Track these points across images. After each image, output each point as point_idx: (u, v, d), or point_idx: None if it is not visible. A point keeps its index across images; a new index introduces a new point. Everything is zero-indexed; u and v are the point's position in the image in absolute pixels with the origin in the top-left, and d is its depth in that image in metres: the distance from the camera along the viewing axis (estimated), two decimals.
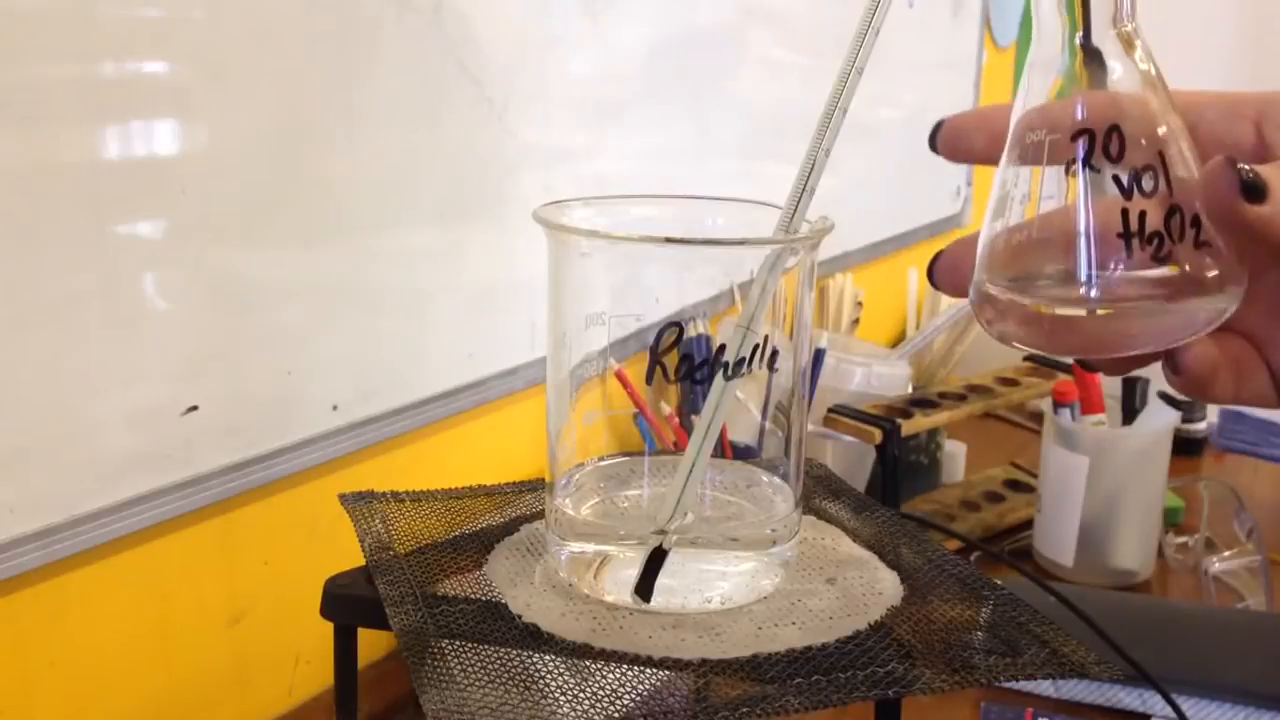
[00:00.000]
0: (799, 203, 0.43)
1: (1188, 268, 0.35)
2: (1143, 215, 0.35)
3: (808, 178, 0.43)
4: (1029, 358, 1.12)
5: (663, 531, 0.45)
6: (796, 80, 1.21)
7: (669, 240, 0.43)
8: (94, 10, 0.59)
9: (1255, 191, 0.34)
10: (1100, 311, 0.35)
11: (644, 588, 0.45)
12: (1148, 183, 0.35)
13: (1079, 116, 0.36)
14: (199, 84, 0.65)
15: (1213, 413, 1.27)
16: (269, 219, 0.70)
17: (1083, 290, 0.36)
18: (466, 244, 0.85)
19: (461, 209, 0.84)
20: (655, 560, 0.45)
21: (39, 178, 0.58)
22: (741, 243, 0.46)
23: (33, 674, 0.63)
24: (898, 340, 1.48)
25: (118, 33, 0.60)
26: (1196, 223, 0.35)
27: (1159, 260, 0.35)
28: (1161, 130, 0.36)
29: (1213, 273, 0.35)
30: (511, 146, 0.86)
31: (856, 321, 1.28)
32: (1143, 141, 0.35)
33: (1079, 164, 0.36)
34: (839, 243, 1.34)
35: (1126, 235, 0.35)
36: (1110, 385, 1.00)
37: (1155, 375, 1.11)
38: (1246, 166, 0.34)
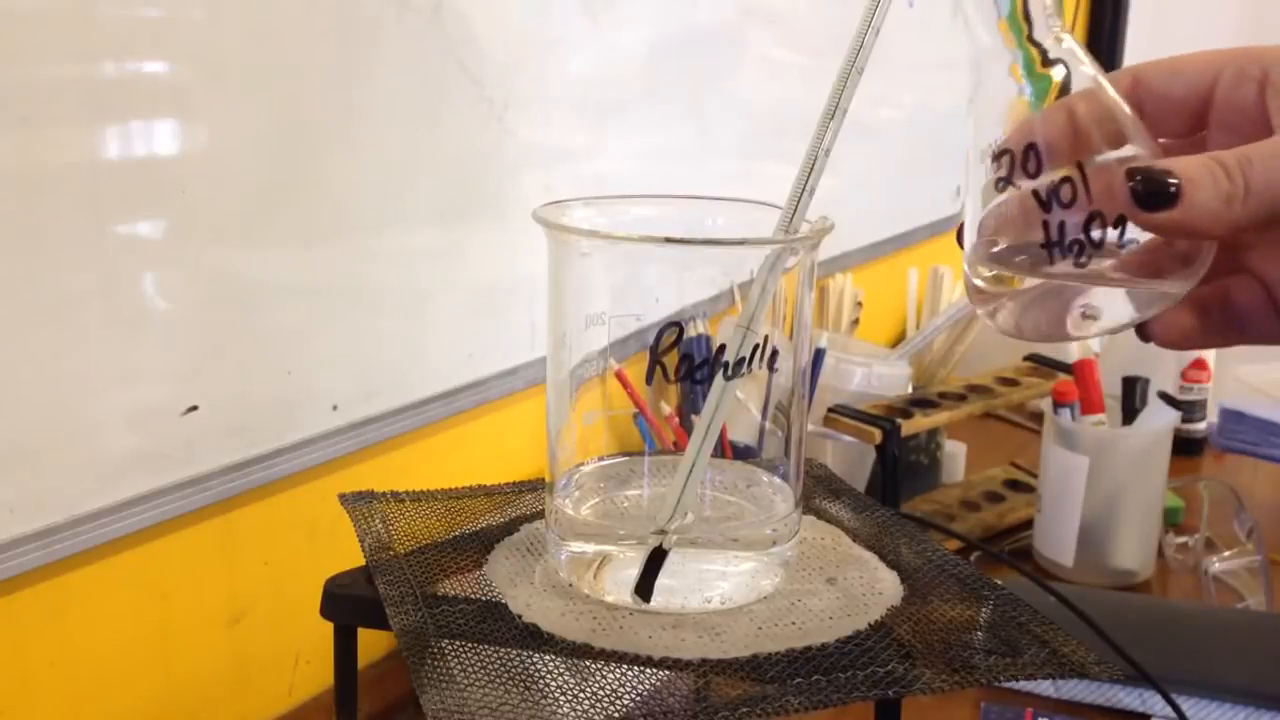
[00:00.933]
0: (799, 203, 0.43)
1: (1114, 271, 0.37)
2: (1061, 226, 0.37)
3: (808, 178, 0.43)
4: (1029, 357, 1.12)
5: (663, 531, 0.45)
6: (796, 80, 1.21)
7: (669, 240, 0.43)
8: (94, 10, 0.59)
9: (1155, 200, 0.35)
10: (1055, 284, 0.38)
11: (644, 588, 0.45)
12: (1065, 194, 0.37)
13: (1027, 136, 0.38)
14: (199, 84, 0.65)
15: (1213, 412, 1.27)
16: (269, 219, 0.70)
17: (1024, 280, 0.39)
18: (466, 244, 0.85)
19: (461, 209, 0.84)
20: (655, 560, 0.45)
21: (39, 178, 0.58)
22: (741, 243, 0.46)
23: (33, 674, 0.63)
24: (898, 340, 1.48)
25: (118, 33, 0.60)
26: (1122, 222, 0.37)
27: (1079, 266, 0.37)
28: (1087, 137, 0.38)
29: (1147, 267, 0.37)
30: (511, 146, 0.86)
31: (856, 321, 1.28)
32: (1061, 154, 0.38)
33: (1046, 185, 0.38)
34: (839, 243, 1.34)
35: (1048, 245, 0.37)
36: (1110, 385, 1.00)
37: (1156, 375, 1.11)
38: (1148, 175, 0.35)
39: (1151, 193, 0.35)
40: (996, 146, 0.38)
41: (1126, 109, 0.39)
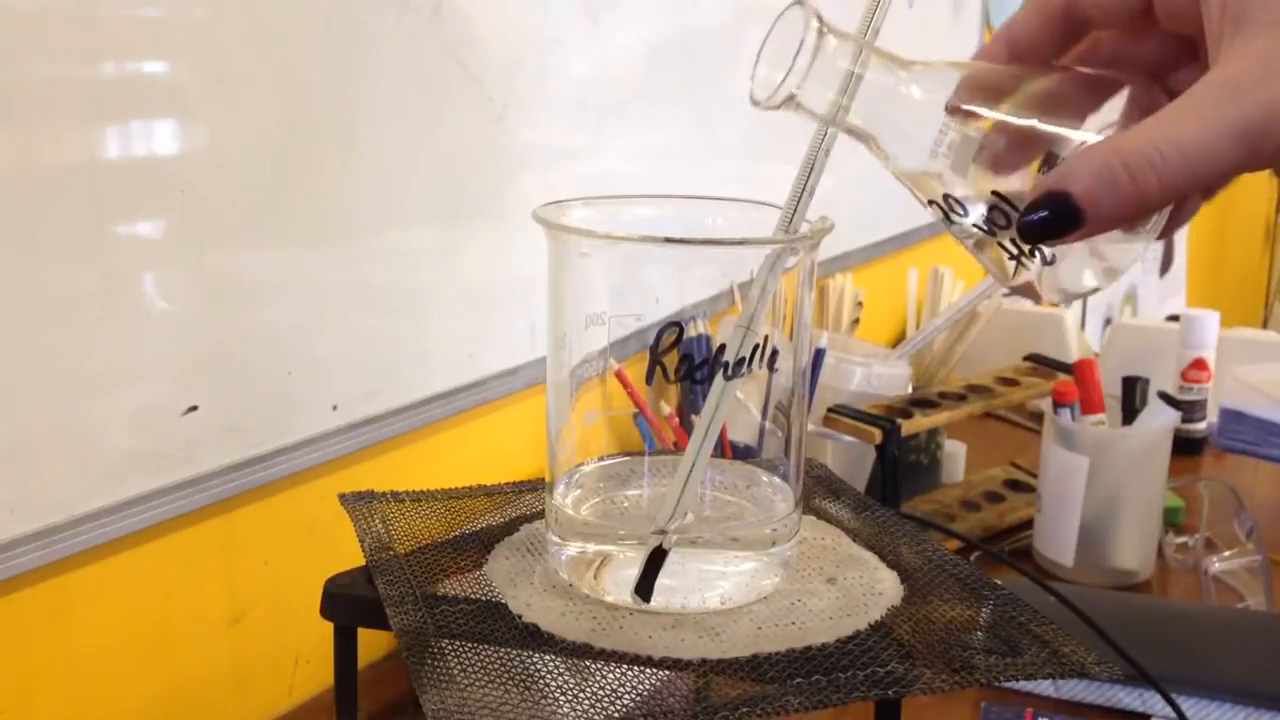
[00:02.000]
0: (799, 203, 0.43)
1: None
2: (1014, 241, 0.38)
3: (808, 178, 0.43)
4: (1029, 357, 1.12)
5: (663, 531, 0.45)
6: None
7: (669, 240, 0.43)
8: (94, 10, 0.59)
9: (1056, 232, 0.35)
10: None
11: (644, 588, 0.45)
12: (999, 219, 0.38)
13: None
14: (199, 84, 0.65)
15: (1213, 412, 1.27)
16: (269, 219, 0.70)
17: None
18: (466, 244, 0.85)
19: (461, 209, 0.84)
20: (655, 560, 0.45)
21: (39, 178, 0.58)
22: (741, 243, 0.46)
23: (33, 674, 0.63)
24: (898, 340, 1.48)
25: (118, 33, 0.60)
26: None
27: (1047, 264, 0.38)
28: (985, 165, 0.39)
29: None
30: (511, 146, 0.86)
31: (856, 321, 1.28)
32: (973, 188, 0.39)
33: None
34: (839, 243, 1.34)
35: (1015, 258, 0.39)
36: (1110, 385, 1.00)
37: (1156, 375, 1.11)
38: (1041, 208, 0.35)
39: (1049, 227, 0.35)
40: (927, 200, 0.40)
41: (997, 69, 0.40)
